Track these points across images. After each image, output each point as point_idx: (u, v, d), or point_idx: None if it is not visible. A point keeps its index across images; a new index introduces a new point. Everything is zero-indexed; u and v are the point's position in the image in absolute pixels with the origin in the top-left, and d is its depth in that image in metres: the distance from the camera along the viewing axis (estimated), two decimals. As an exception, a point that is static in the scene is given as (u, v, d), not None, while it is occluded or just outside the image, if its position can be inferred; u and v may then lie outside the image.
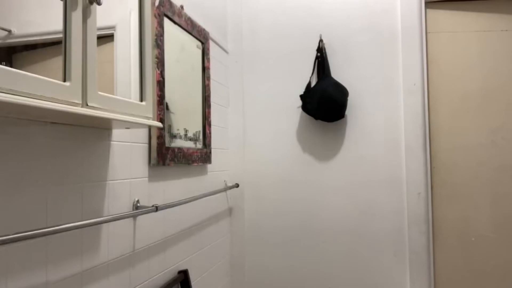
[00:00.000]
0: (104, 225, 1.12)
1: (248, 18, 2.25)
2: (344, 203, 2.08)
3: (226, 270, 2.13)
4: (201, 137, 1.78)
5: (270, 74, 2.22)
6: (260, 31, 2.24)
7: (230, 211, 2.21)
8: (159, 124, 1.14)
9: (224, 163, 2.13)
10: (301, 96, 2.06)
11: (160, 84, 1.40)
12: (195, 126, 1.73)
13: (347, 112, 2.07)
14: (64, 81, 0.78)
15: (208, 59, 1.86)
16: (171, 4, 1.51)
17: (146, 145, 1.36)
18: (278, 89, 2.20)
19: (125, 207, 1.22)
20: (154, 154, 1.36)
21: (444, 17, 2.12)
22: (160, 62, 1.40)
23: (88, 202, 1.06)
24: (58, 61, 0.78)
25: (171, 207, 1.40)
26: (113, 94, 0.97)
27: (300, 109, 2.12)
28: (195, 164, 1.69)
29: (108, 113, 0.89)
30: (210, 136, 1.87)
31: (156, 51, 1.37)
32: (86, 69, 0.83)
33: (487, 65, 2.08)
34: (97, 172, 1.10)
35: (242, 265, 2.21)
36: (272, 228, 2.18)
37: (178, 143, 1.55)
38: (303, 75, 2.14)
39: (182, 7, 1.61)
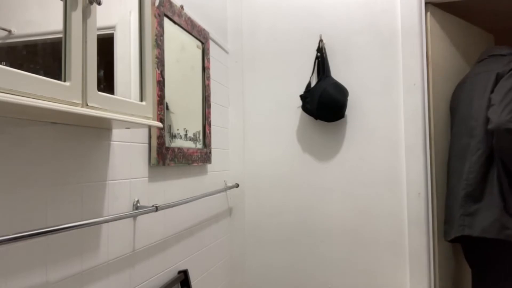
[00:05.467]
0: (104, 225, 1.12)
1: (248, 18, 2.25)
2: (344, 203, 2.08)
3: (226, 270, 2.13)
4: (201, 137, 1.78)
5: (270, 74, 2.22)
6: (260, 31, 2.24)
7: (230, 211, 2.21)
8: (159, 124, 1.14)
9: (224, 163, 2.13)
10: (301, 96, 2.06)
11: (160, 84, 1.40)
12: (195, 126, 1.73)
13: (347, 112, 2.07)
14: (64, 81, 0.78)
15: (208, 59, 1.86)
16: (171, 4, 1.51)
17: (146, 145, 1.36)
18: (278, 89, 2.20)
19: (125, 207, 1.22)
20: (154, 154, 1.37)
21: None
22: (160, 62, 1.40)
23: (88, 202, 1.06)
24: (58, 61, 0.79)
25: (171, 207, 1.41)
26: (113, 94, 0.97)
27: (300, 109, 2.12)
28: (195, 164, 1.69)
29: (108, 113, 0.89)
30: (210, 136, 1.87)
31: (156, 51, 1.37)
32: (86, 69, 0.83)
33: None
34: (97, 172, 1.10)
35: (242, 265, 2.21)
36: (272, 228, 2.18)
37: (178, 143, 1.55)
38: (303, 75, 2.14)
39: (182, 7, 1.62)
